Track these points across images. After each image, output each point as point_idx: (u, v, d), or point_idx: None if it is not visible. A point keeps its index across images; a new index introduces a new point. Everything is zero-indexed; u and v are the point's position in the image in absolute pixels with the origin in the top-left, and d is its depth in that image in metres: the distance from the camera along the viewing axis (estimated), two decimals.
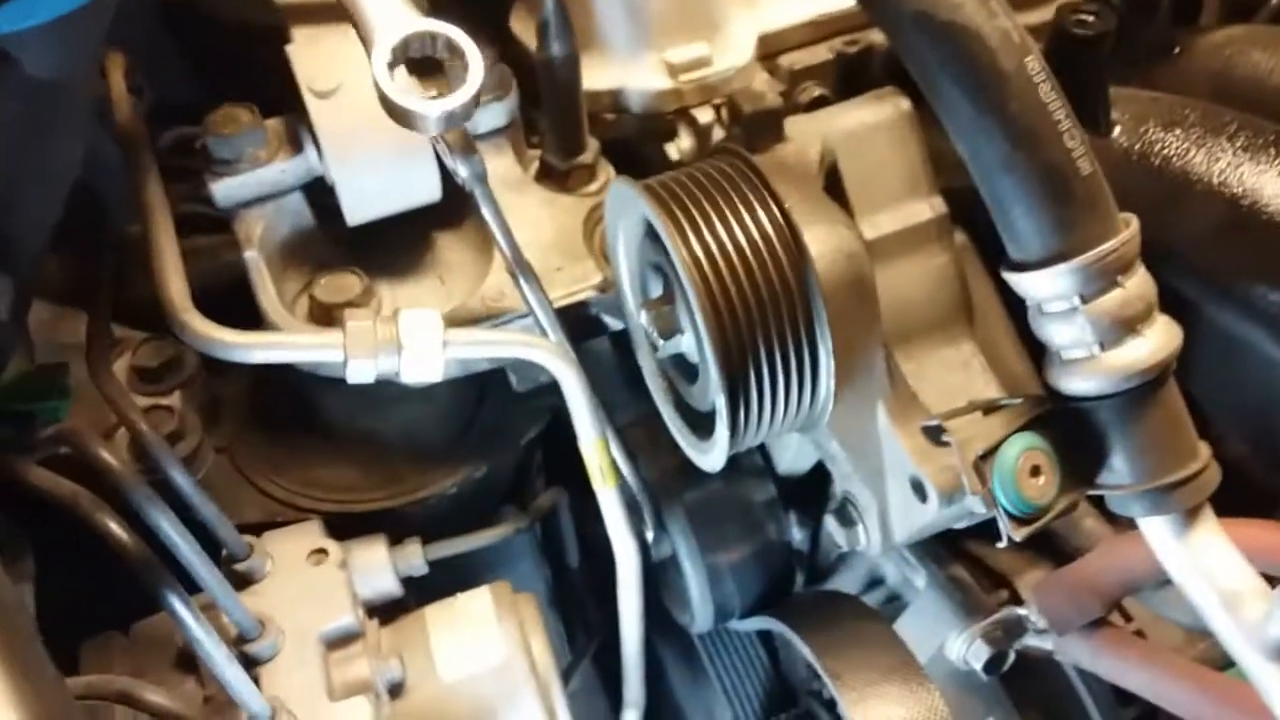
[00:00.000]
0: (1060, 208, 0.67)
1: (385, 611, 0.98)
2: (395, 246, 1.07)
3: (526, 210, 1.04)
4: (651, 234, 0.84)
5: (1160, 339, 0.69)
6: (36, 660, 0.52)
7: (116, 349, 1.09)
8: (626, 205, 0.86)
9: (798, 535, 1.06)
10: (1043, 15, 0.96)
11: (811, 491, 1.03)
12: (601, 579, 1.01)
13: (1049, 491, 0.72)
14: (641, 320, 0.86)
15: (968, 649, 0.92)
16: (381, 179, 0.99)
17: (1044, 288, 0.69)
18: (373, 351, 0.82)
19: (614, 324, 1.01)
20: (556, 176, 1.08)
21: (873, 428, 0.83)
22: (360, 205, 1.00)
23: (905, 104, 0.90)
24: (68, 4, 0.65)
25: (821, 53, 1.12)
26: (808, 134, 0.88)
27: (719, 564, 1.01)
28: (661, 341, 0.84)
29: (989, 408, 0.77)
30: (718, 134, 1.09)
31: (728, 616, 1.05)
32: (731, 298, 0.76)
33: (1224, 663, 0.89)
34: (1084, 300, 0.68)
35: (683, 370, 0.88)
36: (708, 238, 0.77)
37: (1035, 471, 0.72)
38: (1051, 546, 0.97)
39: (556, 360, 0.87)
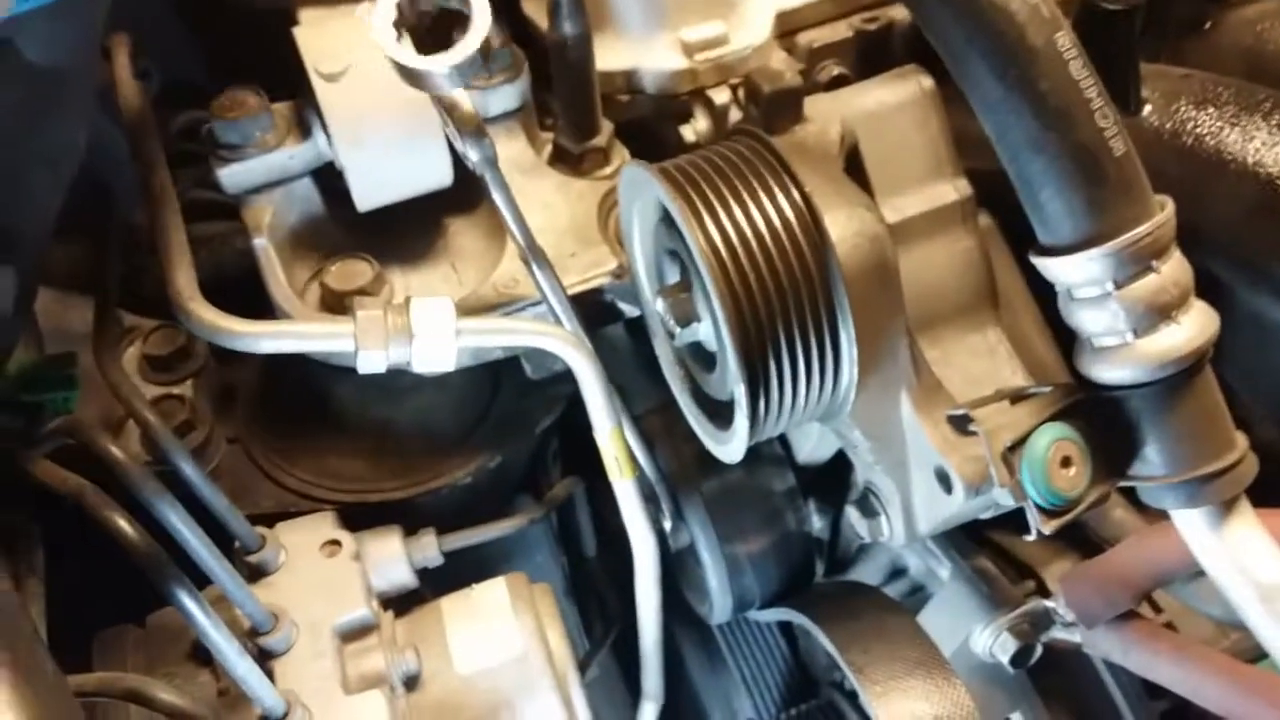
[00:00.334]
0: (1092, 189, 0.65)
1: (401, 602, 0.97)
2: (407, 232, 1.05)
3: (539, 195, 1.03)
4: (667, 219, 0.82)
5: (1196, 325, 0.67)
6: (37, 662, 0.51)
7: (127, 337, 1.08)
8: (641, 189, 0.84)
9: (818, 524, 1.05)
10: None
11: (832, 479, 1.02)
12: (619, 566, 0.99)
13: (1080, 483, 0.70)
14: (658, 307, 0.84)
15: (994, 642, 0.91)
16: (392, 164, 0.97)
17: (1075, 273, 0.67)
18: (384, 341, 0.80)
19: (630, 310, 0.99)
20: (570, 160, 1.05)
21: (896, 417, 0.81)
22: (370, 191, 0.98)
23: (928, 82, 0.87)
24: None
25: (841, 30, 1.09)
26: (827, 114, 0.85)
27: (738, 554, 1.00)
28: (678, 329, 0.82)
29: (1017, 396, 0.75)
30: (735, 115, 1.07)
31: (747, 607, 1.04)
32: (750, 284, 0.74)
33: (1255, 655, 0.88)
34: (1117, 286, 0.66)
35: (700, 359, 0.86)
36: (725, 223, 0.75)
37: (1066, 462, 0.69)
38: (1079, 536, 0.95)
39: (571, 349, 0.85)
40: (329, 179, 1.01)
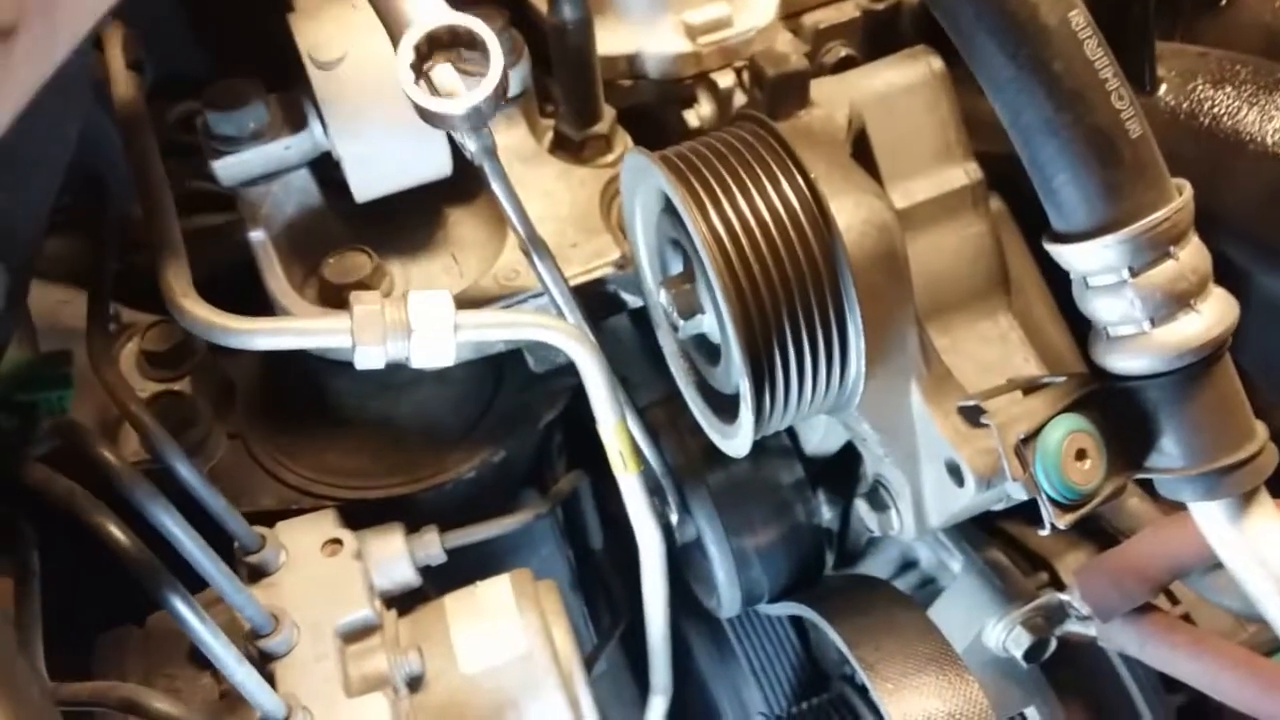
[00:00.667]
0: (1108, 173, 0.63)
1: (405, 600, 0.95)
2: (406, 224, 1.03)
3: (540, 183, 1.01)
4: (670, 208, 0.80)
5: (1215, 314, 0.65)
6: (16, 676, 0.49)
7: (125, 333, 1.07)
8: (643, 178, 0.82)
9: (827, 515, 1.03)
10: None
11: (841, 471, 1.00)
12: (626, 559, 0.98)
13: (1095, 476, 0.68)
14: (660, 299, 0.82)
15: (1007, 636, 0.89)
16: (389, 154, 0.95)
17: (1090, 260, 0.65)
18: (381, 336, 0.79)
19: (633, 301, 0.97)
20: (571, 147, 1.04)
21: (906, 408, 0.79)
22: (368, 182, 0.97)
23: (937, 63, 0.85)
24: None
25: (848, 10, 1.07)
26: (834, 97, 0.83)
27: (745, 548, 0.98)
28: (682, 321, 0.80)
29: (1030, 387, 0.73)
30: (739, 99, 1.05)
31: (755, 600, 1.02)
32: (754, 275, 0.72)
33: (1273, 648, 0.86)
34: (1133, 273, 0.64)
35: (705, 351, 0.84)
36: (729, 211, 0.73)
37: (1081, 455, 0.68)
38: (1094, 527, 0.93)
39: (573, 342, 0.83)
40: (327, 170, 1.00)
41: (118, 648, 0.86)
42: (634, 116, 1.06)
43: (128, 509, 0.75)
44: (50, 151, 0.77)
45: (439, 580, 0.97)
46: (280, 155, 0.96)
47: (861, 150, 0.82)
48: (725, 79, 1.05)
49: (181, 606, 0.70)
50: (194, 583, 0.79)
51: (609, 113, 1.04)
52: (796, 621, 1.17)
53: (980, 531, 0.96)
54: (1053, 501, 0.68)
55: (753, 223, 0.73)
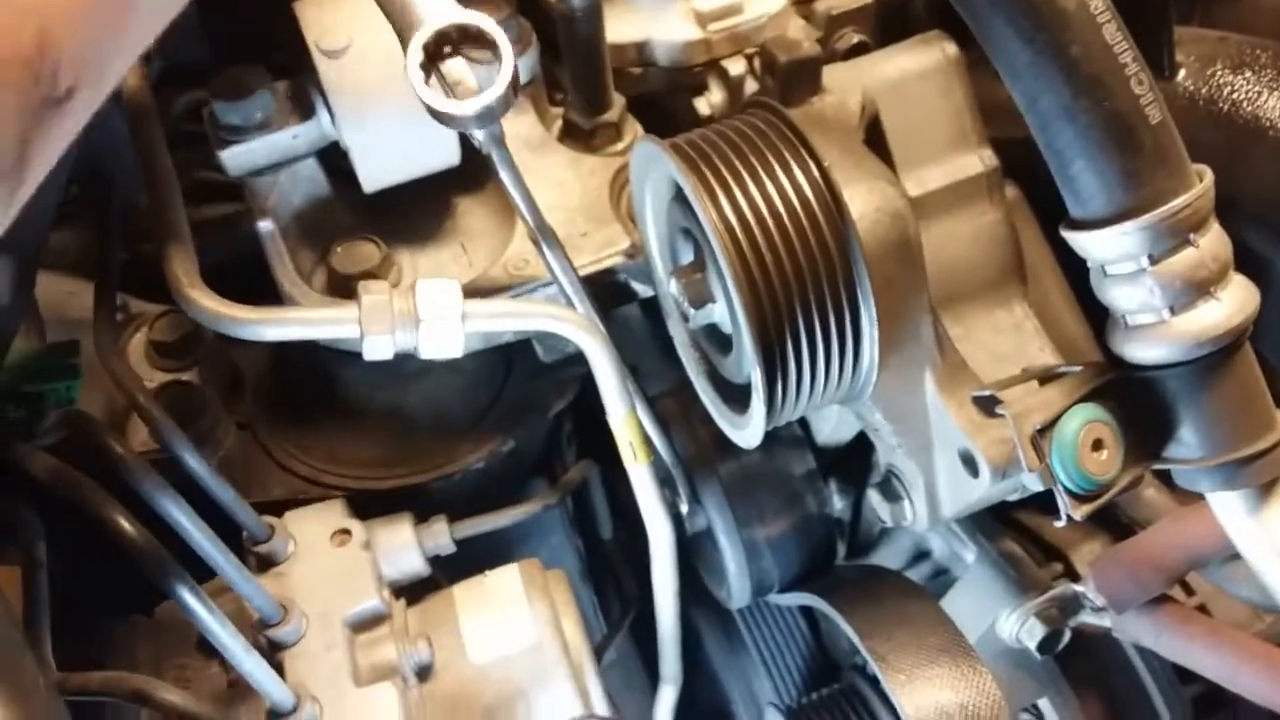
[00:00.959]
0: (1127, 160, 0.62)
1: (414, 588, 0.95)
2: (415, 213, 1.03)
3: (550, 172, 1.00)
4: (680, 197, 0.79)
5: (1235, 302, 0.64)
6: (23, 672, 0.49)
7: (133, 323, 1.07)
8: (653, 166, 0.81)
9: (839, 505, 1.02)
10: None
11: (854, 460, 0.99)
12: (637, 549, 0.97)
13: (1112, 467, 0.67)
14: (671, 289, 0.81)
15: (1020, 627, 0.88)
16: (398, 143, 0.94)
17: (1109, 248, 0.64)
18: (389, 326, 0.78)
19: (644, 291, 0.96)
20: (581, 136, 1.03)
21: (920, 398, 0.78)
22: (377, 171, 0.96)
23: (952, 48, 0.84)
24: None
25: None
26: (847, 84, 0.82)
27: (756, 538, 0.97)
28: (693, 311, 0.79)
29: (1046, 376, 0.72)
30: (751, 86, 1.04)
31: (766, 591, 1.02)
32: (766, 264, 0.72)
33: None
34: (1152, 261, 0.63)
35: (716, 341, 0.83)
36: (740, 200, 0.72)
37: (1098, 445, 0.67)
38: (1109, 518, 0.92)
39: (582, 333, 0.82)
40: (335, 159, 0.99)
41: (128, 637, 0.86)
42: (644, 104, 1.06)
43: (136, 499, 0.75)
44: None
45: (449, 570, 0.96)
46: (287, 145, 0.95)
47: (875, 137, 0.81)
48: (736, 66, 1.04)
49: (189, 596, 0.70)
50: (202, 573, 0.79)
51: (619, 101, 1.03)
52: (807, 612, 1.16)
53: (994, 522, 0.96)
54: (1069, 492, 0.67)
55: (765, 211, 0.72)
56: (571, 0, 0.94)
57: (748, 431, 0.80)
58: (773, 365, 0.73)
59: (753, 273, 0.71)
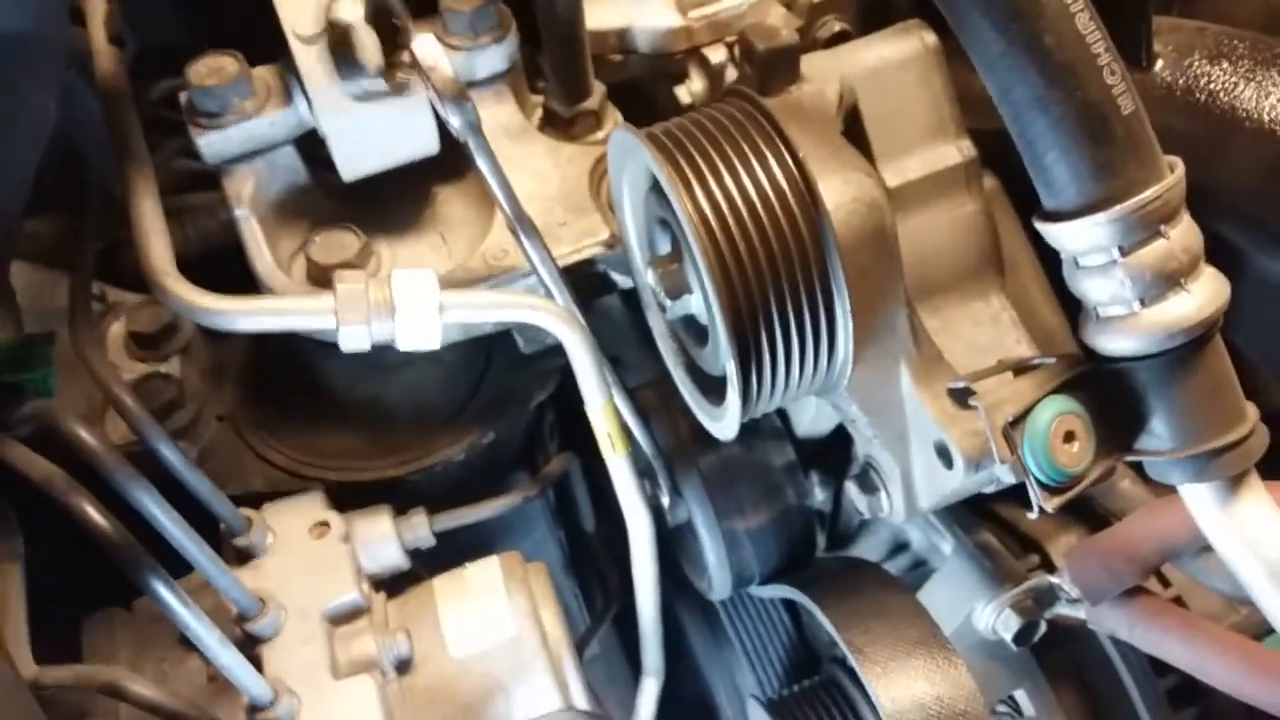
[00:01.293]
0: (1098, 150, 0.62)
1: (395, 581, 0.95)
2: (394, 201, 1.02)
3: (529, 161, 1.00)
4: (657, 187, 0.79)
5: (1206, 294, 0.64)
6: None
7: (111, 314, 1.06)
8: (630, 156, 0.81)
9: (820, 497, 1.02)
10: None
11: (834, 452, 0.99)
12: (619, 541, 0.97)
13: (1084, 458, 0.67)
14: (649, 279, 0.81)
15: (996, 619, 0.89)
16: (376, 130, 0.94)
17: (1080, 239, 0.64)
18: (365, 316, 0.78)
19: (623, 281, 0.96)
20: (561, 124, 1.02)
21: (895, 390, 0.78)
22: (355, 160, 0.95)
23: (931, 38, 0.83)
24: None
25: None
26: (825, 73, 0.82)
27: (736, 530, 0.98)
28: (669, 302, 0.79)
29: (1020, 368, 0.72)
30: (731, 74, 1.04)
31: (746, 583, 1.02)
32: (741, 255, 0.71)
33: (1264, 630, 0.85)
34: (1123, 252, 0.63)
35: (693, 332, 0.83)
36: (715, 190, 0.72)
37: (1069, 437, 0.67)
38: (1085, 509, 0.93)
39: (561, 324, 0.82)
40: (313, 147, 0.98)
41: (107, 630, 0.86)
42: (624, 92, 1.05)
43: (112, 492, 0.74)
44: (29, 126, 0.76)
45: (431, 562, 0.96)
46: (264, 131, 0.94)
47: (853, 127, 0.81)
48: (717, 54, 1.03)
49: (163, 590, 0.70)
50: (181, 566, 0.79)
51: (599, 88, 1.03)
52: (790, 604, 1.16)
53: (971, 514, 0.96)
54: (1040, 484, 0.67)
55: (739, 202, 0.72)
56: None
57: (724, 423, 0.80)
58: (747, 357, 0.73)
59: (727, 264, 0.71)
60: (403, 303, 0.77)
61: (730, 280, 0.71)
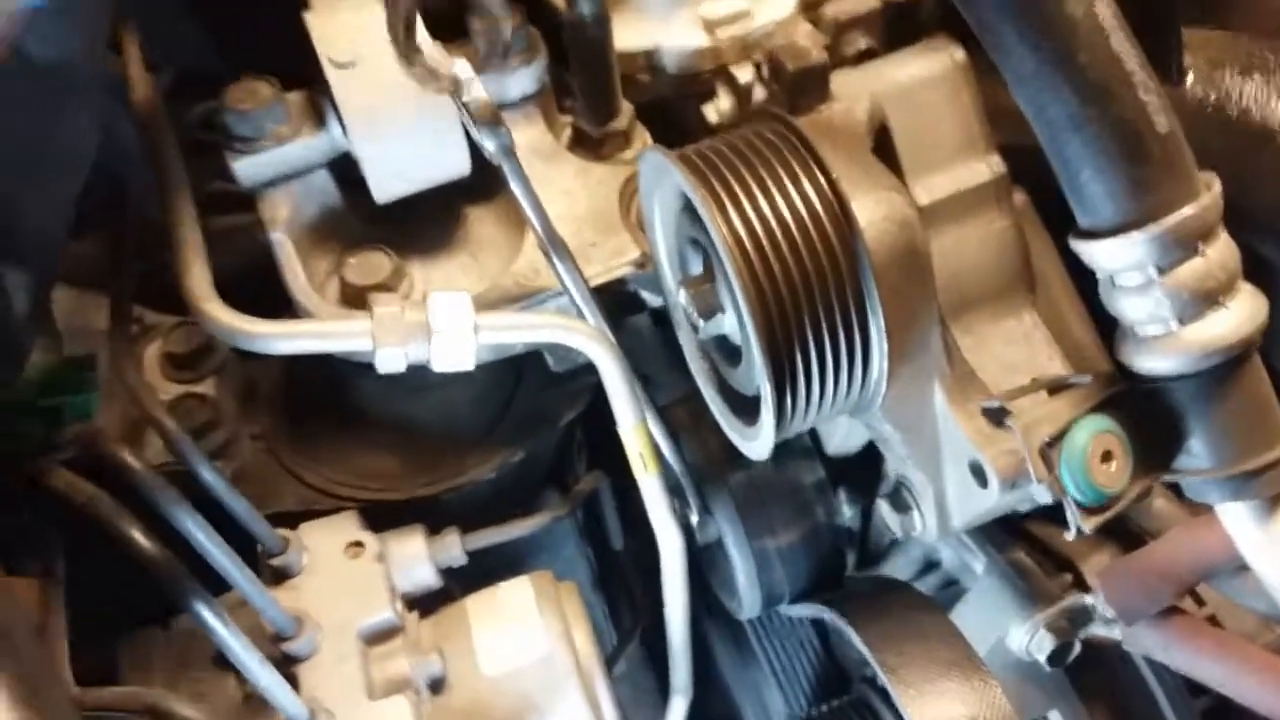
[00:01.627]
0: (1135, 169, 0.62)
1: (427, 599, 0.95)
2: (426, 223, 1.03)
3: (559, 181, 1.00)
4: (689, 207, 0.79)
5: (1244, 312, 0.64)
6: (44, 688, 0.49)
7: (148, 335, 1.07)
8: (661, 176, 0.81)
9: (849, 515, 1.02)
10: None
11: (864, 470, 0.99)
12: (648, 559, 0.97)
13: (1121, 478, 0.67)
14: (680, 299, 0.81)
15: (1030, 639, 0.88)
16: (409, 154, 0.95)
17: (1117, 258, 0.63)
18: (402, 339, 0.78)
19: (654, 300, 0.97)
20: (590, 144, 1.03)
21: (929, 409, 0.78)
22: (388, 182, 0.96)
23: (959, 54, 0.84)
24: None
25: (869, 0, 1.05)
26: (855, 91, 0.82)
27: (766, 549, 0.98)
28: (702, 322, 0.79)
29: (1055, 387, 0.72)
30: (759, 93, 1.04)
31: (776, 602, 1.01)
32: (775, 276, 0.72)
33: None
34: (1160, 271, 0.63)
35: (725, 352, 0.83)
36: (749, 211, 0.72)
37: (1106, 457, 0.67)
38: (1120, 528, 0.92)
39: (593, 344, 0.83)
40: (346, 169, 0.99)
41: (144, 650, 0.87)
42: (652, 112, 1.06)
43: (152, 513, 0.75)
44: (72, 152, 0.77)
45: (463, 581, 0.97)
46: (299, 156, 0.96)
47: (883, 144, 0.81)
48: (744, 73, 1.03)
49: (205, 611, 0.70)
50: (218, 586, 0.79)
51: (627, 108, 1.03)
52: (817, 623, 1.16)
53: (1004, 533, 0.95)
54: (1078, 504, 0.67)
55: (773, 222, 0.72)
56: (580, 8, 0.94)
57: (757, 443, 0.80)
58: (781, 377, 0.73)
59: (761, 284, 0.71)
60: (438, 325, 0.78)
61: (765, 301, 0.71)
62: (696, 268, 0.83)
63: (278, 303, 0.94)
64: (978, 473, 0.76)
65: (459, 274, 1.01)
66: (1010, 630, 0.89)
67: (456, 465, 1.04)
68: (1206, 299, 0.63)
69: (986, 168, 0.84)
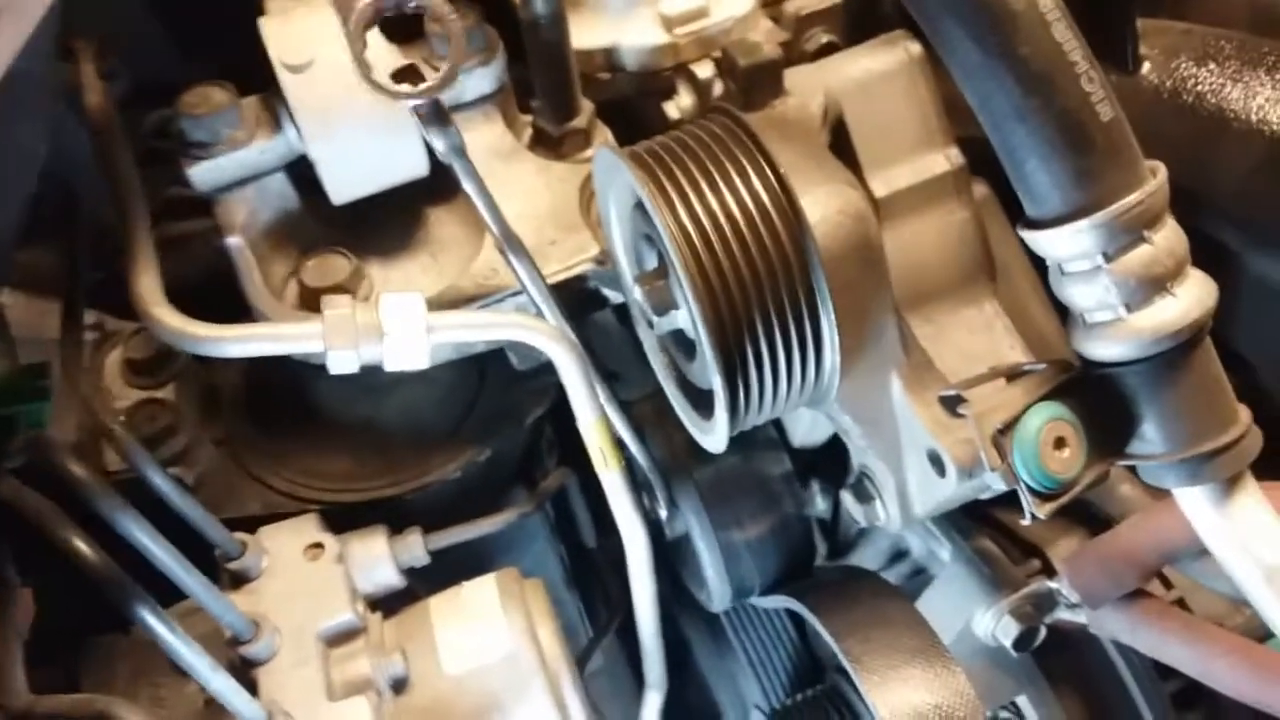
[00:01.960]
0: (1079, 158, 0.62)
1: (393, 600, 0.95)
2: (386, 224, 1.03)
3: (520, 180, 1.00)
4: (641, 204, 0.79)
5: (1192, 297, 0.64)
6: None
7: (109, 341, 1.06)
8: (614, 174, 0.81)
9: (820, 506, 1.02)
10: None
11: (832, 461, 0.99)
12: (621, 554, 0.97)
13: (1075, 464, 0.67)
14: (636, 295, 0.81)
15: (996, 625, 0.88)
16: (365, 155, 0.94)
17: (1064, 246, 0.63)
18: (353, 340, 0.78)
19: (615, 297, 0.96)
20: (550, 143, 1.03)
21: (887, 399, 0.78)
22: (344, 184, 0.96)
23: (915, 48, 0.83)
24: None
25: None
26: (810, 86, 0.82)
27: (734, 541, 0.97)
28: (657, 317, 0.79)
29: (1012, 374, 0.72)
30: (719, 89, 1.04)
31: (746, 594, 1.01)
32: (724, 270, 0.71)
33: (1265, 632, 0.84)
34: (1107, 259, 0.63)
35: (682, 346, 0.83)
36: (696, 207, 0.72)
37: (1060, 443, 0.66)
38: (1085, 513, 0.92)
39: (550, 340, 0.82)
40: (303, 169, 0.99)
41: (105, 657, 0.86)
42: (614, 110, 1.05)
43: (103, 523, 0.75)
44: (19, 158, 0.77)
45: (431, 580, 0.96)
46: (255, 160, 0.95)
47: (840, 139, 0.81)
48: (704, 70, 1.03)
49: (151, 618, 0.70)
50: (177, 593, 0.79)
51: (587, 107, 1.03)
52: (793, 613, 1.16)
53: (970, 520, 0.95)
54: (1032, 491, 0.66)
55: (721, 218, 0.72)
56: (535, 7, 0.94)
57: (713, 436, 0.80)
58: (733, 371, 0.73)
59: (710, 279, 0.71)
60: (390, 326, 0.78)
61: (714, 295, 0.71)
62: (651, 263, 0.83)
63: (241, 308, 0.94)
64: (936, 462, 0.76)
65: (419, 274, 1.00)
66: (976, 616, 0.89)
67: (422, 465, 1.03)
68: (1154, 285, 0.63)
69: (945, 159, 0.84)
